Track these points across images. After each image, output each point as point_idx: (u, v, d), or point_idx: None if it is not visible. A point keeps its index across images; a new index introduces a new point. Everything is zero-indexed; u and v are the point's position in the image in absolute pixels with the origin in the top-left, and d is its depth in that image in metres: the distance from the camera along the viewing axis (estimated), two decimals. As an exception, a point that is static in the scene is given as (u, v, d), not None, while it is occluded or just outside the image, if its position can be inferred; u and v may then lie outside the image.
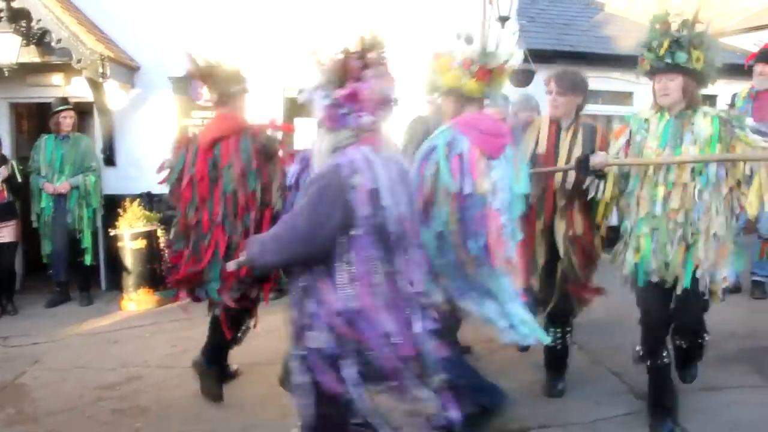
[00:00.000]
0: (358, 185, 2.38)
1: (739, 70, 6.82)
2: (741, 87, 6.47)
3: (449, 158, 3.07)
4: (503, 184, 3.10)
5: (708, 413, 3.72)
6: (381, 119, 2.52)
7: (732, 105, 6.19)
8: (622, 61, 8.87)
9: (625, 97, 9.35)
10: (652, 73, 3.46)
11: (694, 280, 3.36)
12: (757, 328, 5.21)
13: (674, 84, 3.37)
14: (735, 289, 6.23)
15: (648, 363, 3.61)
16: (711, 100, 9.72)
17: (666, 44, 3.33)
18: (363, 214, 2.38)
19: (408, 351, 2.45)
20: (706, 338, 3.71)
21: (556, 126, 3.92)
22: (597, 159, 3.53)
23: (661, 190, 3.39)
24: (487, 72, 3.16)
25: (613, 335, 4.91)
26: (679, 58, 3.31)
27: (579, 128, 3.89)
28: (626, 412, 3.79)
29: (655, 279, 3.46)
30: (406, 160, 2.92)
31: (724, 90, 8.01)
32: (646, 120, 3.54)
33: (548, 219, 3.84)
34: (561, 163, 3.82)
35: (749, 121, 5.76)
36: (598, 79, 9.02)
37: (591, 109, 8.98)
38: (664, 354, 3.58)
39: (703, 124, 3.35)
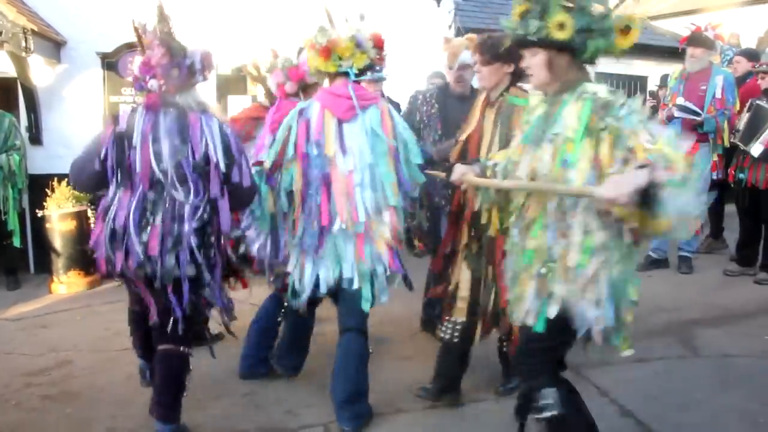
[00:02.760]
0: (103, 133, 3.09)
1: (671, 53, 7.01)
2: (672, 69, 6.67)
3: (299, 122, 3.26)
4: (357, 146, 3.19)
5: (636, 383, 3.85)
6: (176, 81, 3.02)
7: (663, 86, 6.36)
8: (557, 42, 9.03)
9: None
10: (518, 47, 2.68)
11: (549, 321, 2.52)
12: (683, 301, 5.41)
13: (536, 60, 2.58)
14: (663, 264, 6.47)
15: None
16: (641, 81, 10.01)
17: (518, 10, 2.56)
18: (104, 154, 3.04)
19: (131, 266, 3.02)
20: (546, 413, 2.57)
21: (487, 101, 3.55)
22: (454, 175, 2.86)
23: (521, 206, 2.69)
24: (325, 49, 3.21)
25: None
26: (529, 28, 2.50)
27: (504, 103, 3.45)
28: (559, 385, 3.88)
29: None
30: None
31: (655, 71, 8.26)
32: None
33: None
34: (485, 144, 3.46)
35: (680, 100, 5.99)
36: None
37: (529, 89, 9.12)
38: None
39: (572, 113, 2.49)
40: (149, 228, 2.99)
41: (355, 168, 3.19)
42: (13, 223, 6.50)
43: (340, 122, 3.22)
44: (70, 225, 6.42)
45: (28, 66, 6.70)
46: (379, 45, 3.33)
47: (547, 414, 2.54)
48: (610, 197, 2.18)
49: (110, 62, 7.16)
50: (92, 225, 6.65)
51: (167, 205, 3.01)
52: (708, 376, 3.97)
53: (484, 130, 3.49)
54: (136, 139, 2.98)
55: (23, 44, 6.11)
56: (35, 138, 7.11)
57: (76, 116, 7.10)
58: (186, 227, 3.00)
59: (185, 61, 3.03)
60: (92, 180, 3.14)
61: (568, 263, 2.46)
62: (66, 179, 6.60)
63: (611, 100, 2.42)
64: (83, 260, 6.45)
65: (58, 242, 6.43)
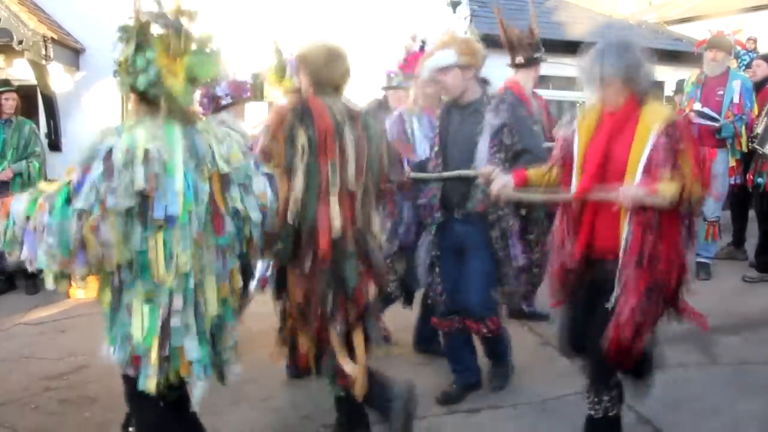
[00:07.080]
0: None
1: (687, 58, 6.96)
2: (688, 74, 6.61)
3: None
4: None
5: (654, 390, 3.80)
6: (208, 108, 3.70)
7: (679, 91, 6.32)
8: (573, 47, 9.00)
9: (575, 83, 9.44)
10: None
11: None
12: (702, 308, 5.28)
13: None
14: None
15: None
16: (658, 86, 9.95)
17: None
18: None
19: None
20: None
21: None
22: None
23: None
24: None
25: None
26: None
27: None
28: (575, 392, 3.85)
29: None
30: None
31: (671, 77, 8.20)
32: None
33: None
34: None
35: (697, 105, 5.94)
36: (549, 65, 9.10)
37: (541, 94, 9.10)
38: None
39: None
40: None
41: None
42: (32, 229, 6.56)
43: None
44: (89, 231, 6.44)
45: (48, 73, 6.79)
46: None
47: None
48: None
49: (128, 69, 7.23)
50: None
51: None
52: (726, 384, 3.94)
53: None
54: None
55: (43, 52, 6.22)
56: (54, 144, 7.21)
57: (95, 123, 7.16)
58: None
59: (213, 91, 3.69)
60: None
61: None
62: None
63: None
64: (101, 265, 6.50)
65: (76, 247, 6.45)
